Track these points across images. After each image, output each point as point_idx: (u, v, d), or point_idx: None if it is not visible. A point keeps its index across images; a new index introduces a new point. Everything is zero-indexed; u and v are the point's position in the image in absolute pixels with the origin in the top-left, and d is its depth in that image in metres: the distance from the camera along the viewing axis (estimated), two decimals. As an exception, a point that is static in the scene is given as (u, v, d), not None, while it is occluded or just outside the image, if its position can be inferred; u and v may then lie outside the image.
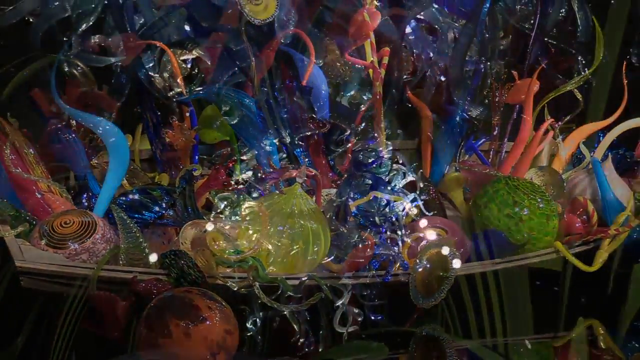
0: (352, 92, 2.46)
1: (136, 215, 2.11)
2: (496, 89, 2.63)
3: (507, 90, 2.65)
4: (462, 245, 2.19)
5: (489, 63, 2.52)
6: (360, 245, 2.03)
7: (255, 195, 2.14)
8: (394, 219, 2.12)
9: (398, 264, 2.09)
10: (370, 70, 2.35)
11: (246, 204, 2.03)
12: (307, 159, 2.30)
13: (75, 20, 2.28)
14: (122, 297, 1.85)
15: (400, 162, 2.31)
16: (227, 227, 2.02)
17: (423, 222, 2.16)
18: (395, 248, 2.09)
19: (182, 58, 2.37)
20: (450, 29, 2.52)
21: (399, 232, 2.11)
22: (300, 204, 2.03)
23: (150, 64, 2.31)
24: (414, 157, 2.59)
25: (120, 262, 1.99)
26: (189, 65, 2.43)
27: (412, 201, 2.19)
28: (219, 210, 2.10)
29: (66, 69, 2.35)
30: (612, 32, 2.86)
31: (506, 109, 2.67)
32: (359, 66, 2.37)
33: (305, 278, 1.96)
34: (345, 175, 2.23)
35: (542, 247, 2.27)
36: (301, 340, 1.95)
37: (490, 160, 2.73)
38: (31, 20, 2.33)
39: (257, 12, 2.12)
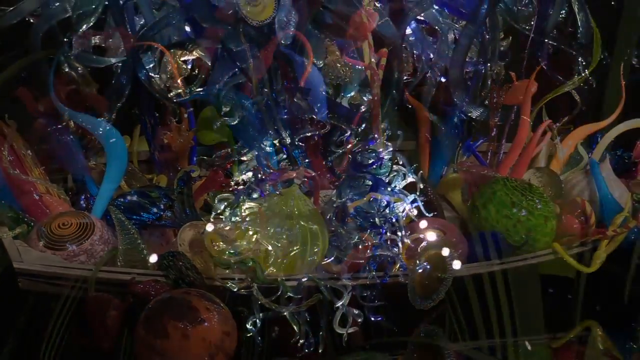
0: (352, 93, 2.46)
1: (134, 217, 2.10)
2: (494, 90, 2.63)
3: (505, 91, 2.65)
4: (460, 246, 2.19)
5: (489, 64, 2.52)
6: (360, 246, 2.03)
7: (255, 196, 2.13)
8: (394, 220, 2.12)
9: (398, 265, 2.09)
10: (369, 72, 2.35)
11: (246, 205, 2.03)
12: (305, 160, 2.30)
13: (76, 21, 2.27)
14: (119, 300, 1.85)
15: (401, 163, 2.30)
16: (225, 228, 2.01)
17: (423, 223, 2.16)
18: (395, 249, 2.09)
19: (182, 59, 2.37)
20: (451, 30, 2.52)
21: (399, 233, 2.11)
22: (299, 205, 2.03)
23: (151, 65, 2.31)
24: (414, 158, 2.58)
25: (119, 264, 1.99)
26: (189, 66, 2.43)
27: (412, 202, 2.19)
28: (218, 211, 2.09)
29: (66, 70, 2.35)
30: (627, 34, 2.85)
31: (504, 110, 2.68)
32: (359, 67, 2.36)
33: (305, 279, 1.96)
34: (345, 176, 2.23)
35: (540, 248, 2.27)
36: (301, 341, 1.94)
37: (488, 161, 2.73)
38: (32, 20, 2.32)
39: (255, 13, 2.12)
